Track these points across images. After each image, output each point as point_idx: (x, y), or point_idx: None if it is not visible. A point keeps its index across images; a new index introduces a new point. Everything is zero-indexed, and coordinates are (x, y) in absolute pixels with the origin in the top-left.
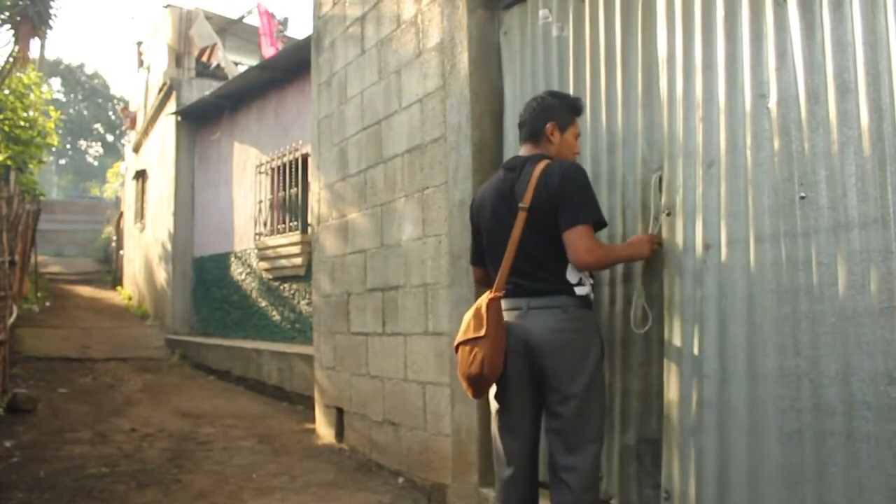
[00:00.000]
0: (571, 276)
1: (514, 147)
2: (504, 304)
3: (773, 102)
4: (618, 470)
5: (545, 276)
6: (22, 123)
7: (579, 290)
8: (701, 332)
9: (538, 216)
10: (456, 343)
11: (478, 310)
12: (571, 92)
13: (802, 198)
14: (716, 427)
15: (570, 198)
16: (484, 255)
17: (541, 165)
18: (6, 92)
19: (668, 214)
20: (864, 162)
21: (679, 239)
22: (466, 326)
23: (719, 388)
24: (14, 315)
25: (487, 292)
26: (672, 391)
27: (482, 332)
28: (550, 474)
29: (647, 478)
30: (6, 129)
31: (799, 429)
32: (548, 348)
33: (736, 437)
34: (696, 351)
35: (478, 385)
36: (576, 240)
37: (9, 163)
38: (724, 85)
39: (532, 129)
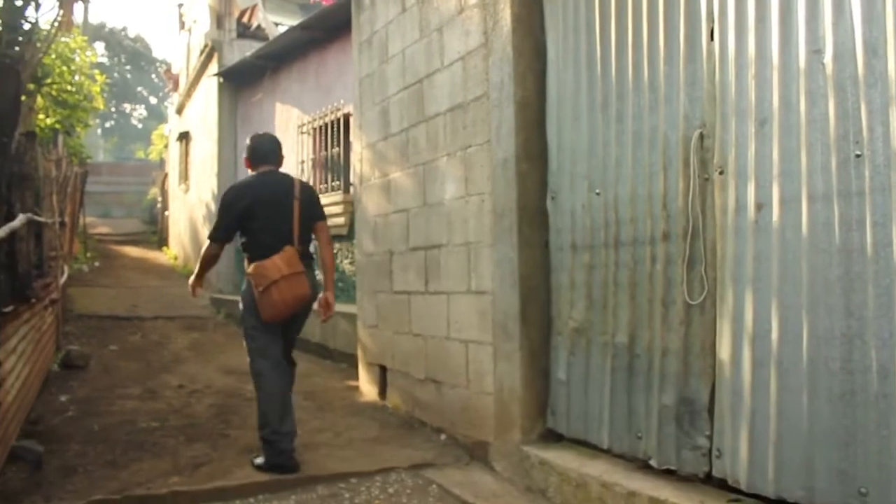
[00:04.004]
0: None
1: (557, 104)
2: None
3: (828, 57)
4: (656, 430)
5: None
6: (68, 88)
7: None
8: (753, 293)
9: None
10: (278, 278)
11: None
12: (613, 48)
13: (858, 156)
14: (768, 387)
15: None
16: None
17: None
18: (53, 56)
19: (721, 173)
20: None
21: (731, 199)
22: (283, 265)
23: (772, 349)
24: (65, 275)
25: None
26: (724, 351)
27: (300, 268)
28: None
29: (685, 438)
30: (53, 93)
31: (851, 390)
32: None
33: (788, 397)
34: (748, 311)
35: (299, 305)
36: None
37: (57, 126)
38: (778, 40)
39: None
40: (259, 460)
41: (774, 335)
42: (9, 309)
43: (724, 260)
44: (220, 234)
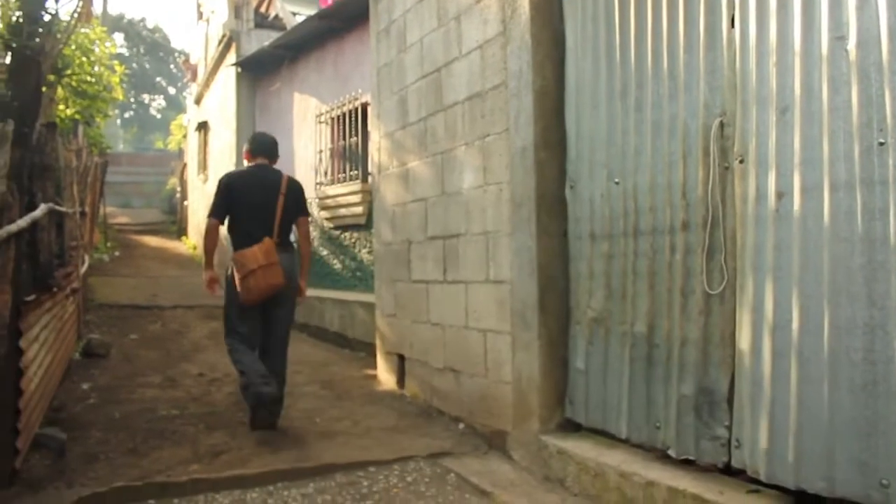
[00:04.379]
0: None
1: (575, 93)
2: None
3: (852, 44)
4: (674, 420)
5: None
6: (88, 78)
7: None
8: (774, 282)
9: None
10: (255, 267)
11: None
12: (632, 36)
13: (881, 144)
14: (788, 377)
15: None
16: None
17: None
18: (72, 47)
19: (741, 162)
20: None
21: (751, 187)
22: (261, 256)
23: (792, 339)
24: (86, 264)
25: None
26: (744, 341)
27: (275, 259)
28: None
29: (704, 429)
30: (73, 84)
31: (873, 380)
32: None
33: (808, 387)
34: (768, 301)
35: (273, 293)
36: None
37: (77, 117)
38: (800, 27)
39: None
40: (247, 419)
41: (795, 325)
42: (31, 298)
43: (745, 249)
44: (216, 212)
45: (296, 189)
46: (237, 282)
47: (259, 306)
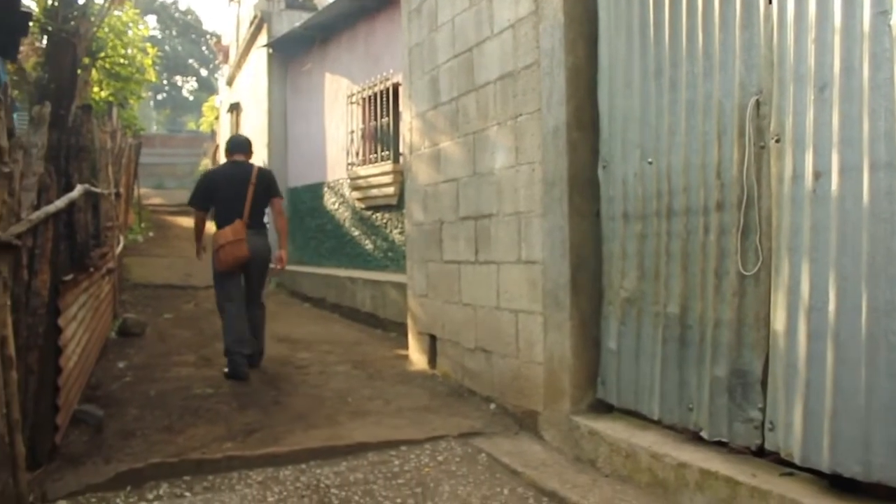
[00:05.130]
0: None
1: (608, 72)
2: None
3: (895, 19)
4: (707, 402)
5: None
6: (121, 61)
7: None
8: (810, 264)
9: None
10: (224, 243)
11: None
12: (667, 14)
13: None
14: (824, 360)
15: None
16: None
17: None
18: (106, 30)
19: (777, 141)
20: None
21: (788, 167)
22: (230, 234)
23: (828, 321)
24: (121, 245)
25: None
26: (779, 322)
27: (242, 237)
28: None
29: (737, 411)
30: (107, 66)
31: None
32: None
33: (845, 370)
34: (804, 283)
35: (241, 264)
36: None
37: (111, 99)
38: (841, 2)
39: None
40: (226, 369)
41: (832, 307)
42: (69, 277)
43: (780, 230)
44: (192, 202)
45: (265, 178)
46: (213, 252)
47: (238, 270)
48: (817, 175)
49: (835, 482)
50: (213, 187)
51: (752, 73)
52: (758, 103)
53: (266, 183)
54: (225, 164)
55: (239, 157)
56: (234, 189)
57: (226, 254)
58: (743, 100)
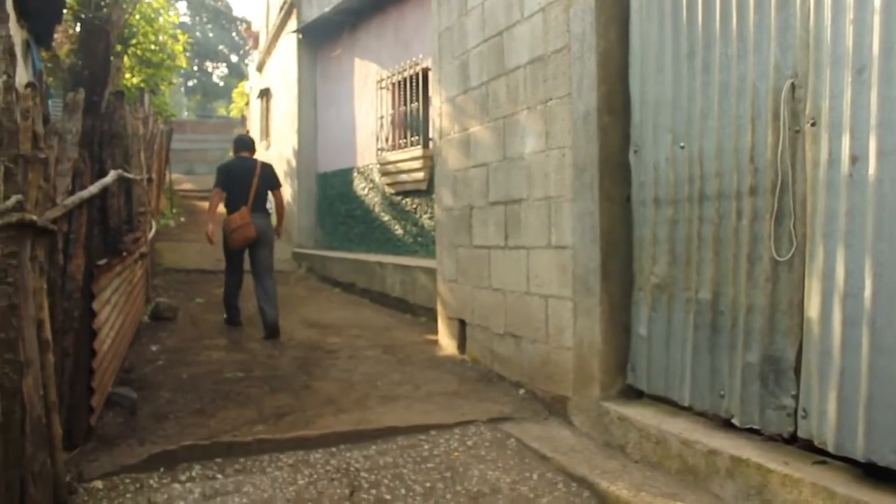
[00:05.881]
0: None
1: (640, 55)
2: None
3: None
4: (739, 389)
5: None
6: (152, 47)
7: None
8: (845, 249)
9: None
10: (235, 227)
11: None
12: None
13: None
14: (859, 347)
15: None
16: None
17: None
18: (137, 17)
19: (813, 125)
20: None
21: (824, 151)
22: (238, 219)
23: (864, 307)
24: (153, 230)
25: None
26: (813, 308)
27: (248, 221)
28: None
29: (770, 398)
30: (139, 53)
31: None
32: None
33: (881, 357)
34: (839, 268)
35: (249, 244)
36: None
37: (142, 85)
38: None
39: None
40: (225, 316)
41: (867, 293)
42: (102, 262)
43: (815, 215)
44: (218, 185)
45: (267, 171)
46: (225, 236)
47: (245, 249)
48: (854, 159)
49: (869, 471)
50: (226, 177)
51: (787, 55)
52: (793, 86)
53: (268, 175)
54: (234, 159)
55: (245, 154)
56: (242, 180)
57: (237, 235)
58: (778, 82)
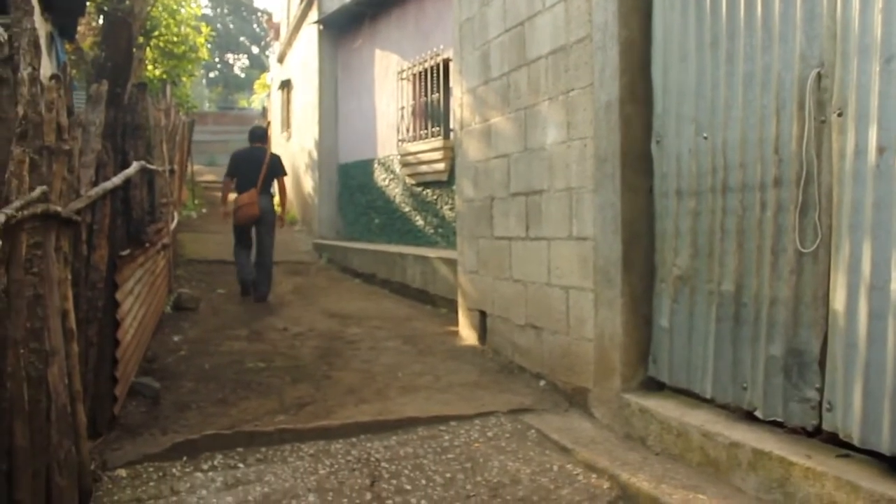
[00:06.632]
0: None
1: (663, 45)
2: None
3: None
4: (762, 381)
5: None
6: (175, 39)
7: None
8: (872, 241)
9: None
10: (241, 205)
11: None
12: None
13: None
14: (885, 339)
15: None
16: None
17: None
18: (159, 9)
19: (839, 115)
20: None
21: (850, 142)
22: (246, 199)
23: (890, 300)
24: (175, 221)
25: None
26: (838, 301)
27: (254, 201)
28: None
29: (793, 390)
30: (161, 44)
31: None
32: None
33: None
34: (865, 260)
35: (253, 221)
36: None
37: (164, 77)
38: None
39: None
40: (240, 290)
41: (894, 286)
42: (125, 253)
43: (841, 207)
44: (228, 173)
45: (274, 161)
46: (232, 212)
47: (249, 226)
48: (881, 150)
49: (895, 464)
50: (238, 163)
51: (813, 45)
52: (819, 76)
53: (275, 164)
54: (247, 148)
55: (258, 144)
56: (252, 166)
57: (242, 213)
58: (803, 72)
